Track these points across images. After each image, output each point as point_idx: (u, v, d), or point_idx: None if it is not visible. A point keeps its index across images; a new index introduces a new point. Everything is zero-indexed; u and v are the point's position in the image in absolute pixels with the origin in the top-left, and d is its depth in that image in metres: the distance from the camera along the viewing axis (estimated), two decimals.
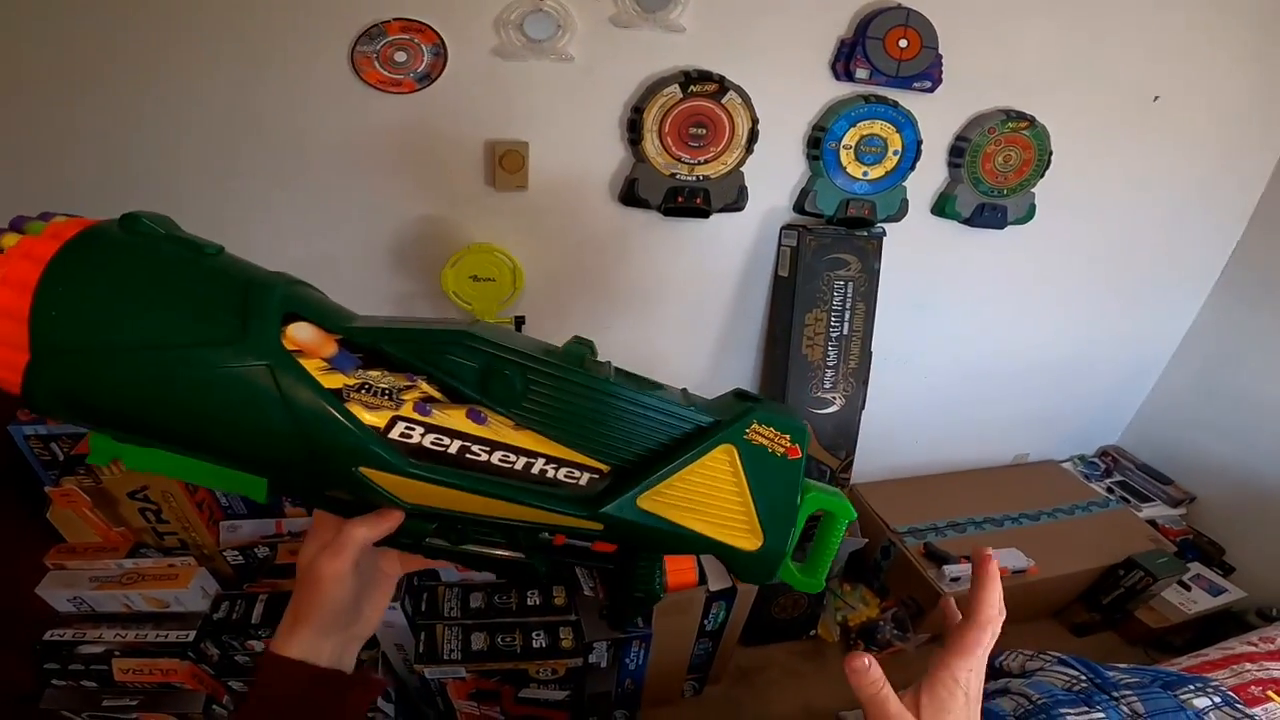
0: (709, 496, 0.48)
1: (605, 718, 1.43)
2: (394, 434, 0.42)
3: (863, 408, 1.47)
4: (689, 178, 1.20)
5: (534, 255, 1.21)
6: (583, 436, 0.46)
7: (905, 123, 1.25)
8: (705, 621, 1.31)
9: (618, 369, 0.48)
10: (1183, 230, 1.67)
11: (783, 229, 1.34)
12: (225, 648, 1.11)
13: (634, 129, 1.14)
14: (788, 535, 0.51)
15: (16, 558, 1.10)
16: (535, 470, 0.45)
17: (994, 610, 0.53)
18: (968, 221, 1.42)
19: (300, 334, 0.41)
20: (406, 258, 1.20)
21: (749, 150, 1.20)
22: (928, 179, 1.37)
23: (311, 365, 0.41)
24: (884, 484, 1.83)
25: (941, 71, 1.22)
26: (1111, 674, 1.13)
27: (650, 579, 0.54)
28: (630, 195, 1.20)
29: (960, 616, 0.54)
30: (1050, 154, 1.37)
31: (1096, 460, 2.07)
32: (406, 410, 0.42)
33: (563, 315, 1.32)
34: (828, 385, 1.42)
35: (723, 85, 1.12)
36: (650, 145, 1.15)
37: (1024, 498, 1.84)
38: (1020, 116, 1.31)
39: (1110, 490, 1.93)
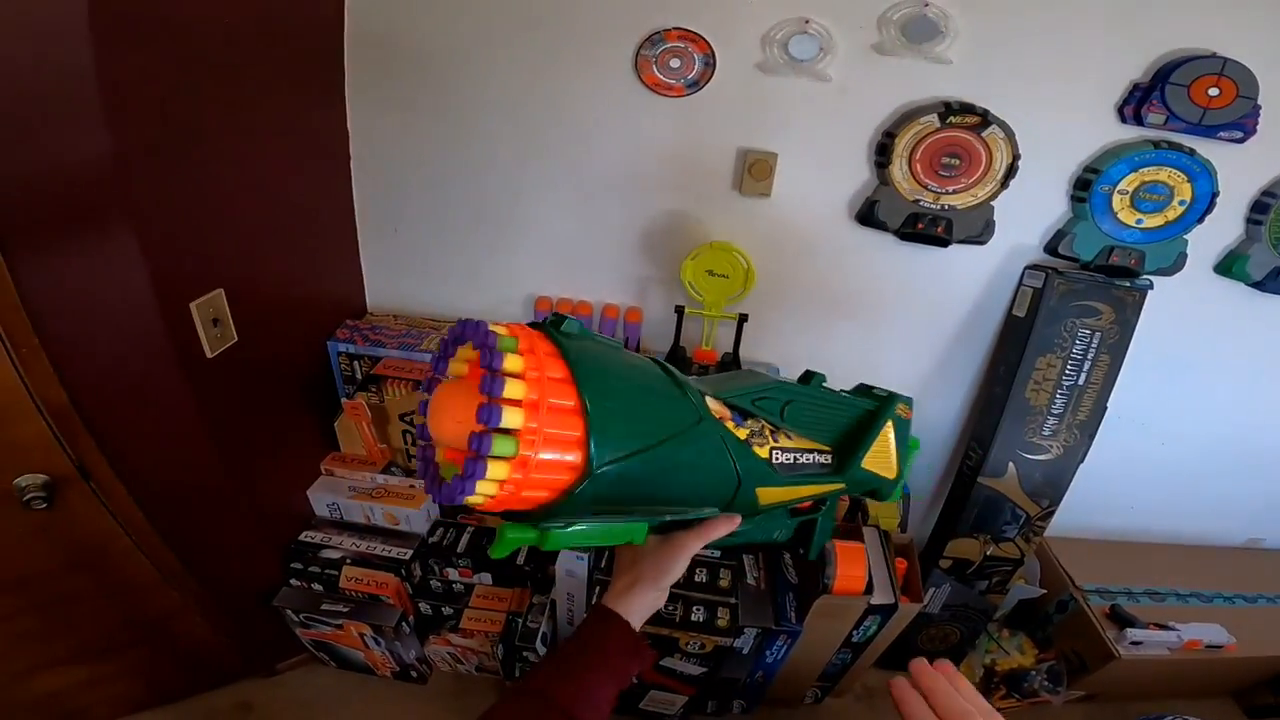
0: (883, 452, 0.72)
1: (725, 703, 1.58)
2: (774, 460, 0.62)
3: (1081, 461, 1.44)
4: (933, 205, 1.23)
5: (766, 258, 1.32)
6: (825, 431, 0.68)
7: (1201, 172, 1.18)
8: (854, 632, 1.40)
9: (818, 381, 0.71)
10: None
11: (1027, 268, 1.33)
12: (428, 570, 1.38)
13: (883, 153, 1.20)
14: (906, 464, 0.76)
15: (303, 458, 1.41)
16: (812, 460, 0.67)
17: (957, 706, 0.52)
18: (1258, 285, 1.31)
19: (714, 406, 0.58)
20: (653, 245, 1.37)
21: (1004, 185, 1.21)
22: (1216, 234, 1.29)
23: (729, 426, 0.58)
24: (1083, 541, 1.79)
25: (1257, 122, 1.14)
26: None
27: (832, 518, 0.79)
28: (868, 216, 1.26)
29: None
30: None
31: None
32: (770, 442, 0.62)
33: (782, 319, 1.43)
34: (1046, 433, 1.41)
35: (985, 119, 1.14)
36: (898, 170, 1.20)
37: (1246, 580, 1.73)
38: None
39: None
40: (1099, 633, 1.54)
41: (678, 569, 0.65)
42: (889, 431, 0.73)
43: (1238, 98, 1.11)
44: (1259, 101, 1.12)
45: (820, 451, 0.67)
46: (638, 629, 0.65)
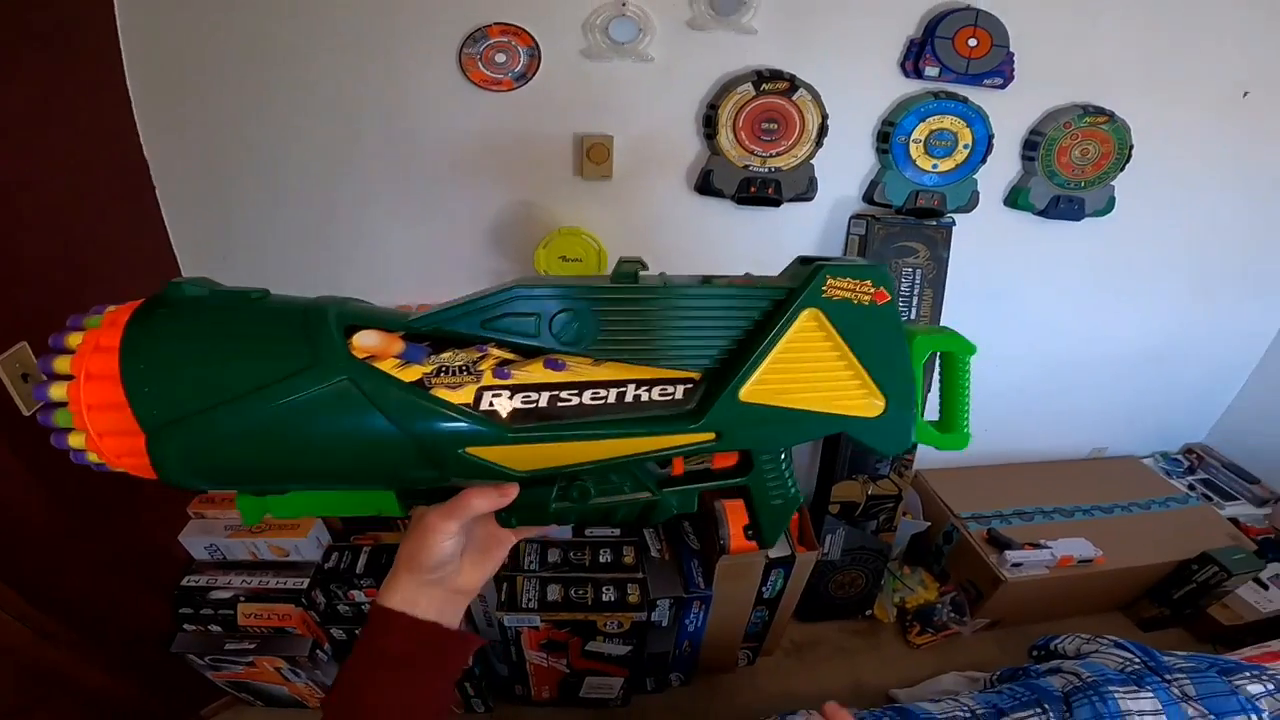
0: (812, 369, 0.49)
1: (662, 679, 1.61)
2: (484, 406, 0.46)
3: (928, 391, 1.59)
4: (761, 169, 1.35)
5: (617, 238, 1.39)
6: (661, 351, 0.48)
7: (976, 118, 1.36)
8: (764, 589, 1.47)
9: (673, 275, 0.52)
10: (1276, 227, 1.72)
11: (852, 218, 1.48)
12: (331, 596, 1.33)
13: (709, 124, 1.30)
14: (910, 390, 0.51)
15: (165, 504, 1.33)
16: (629, 398, 0.48)
17: None
18: (1042, 213, 1.52)
19: (366, 340, 0.45)
20: (503, 239, 1.40)
21: (819, 144, 1.34)
22: (1000, 172, 1.48)
23: (387, 366, 0.45)
24: (950, 471, 1.94)
25: (1013, 69, 1.33)
26: (1168, 659, 1.21)
27: (782, 481, 0.55)
28: (706, 185, 1.36)
29: None
30: (1131, 148, 1.45)
31: (1180, 457, 2.13)
32: (487, 379, 0.46)
33: None
34: None
35: (793, 83, 1.26)
36: (725, 139, 1.30)
37: (1098, 491, 1.92)
38: (1099, 111, 1.40)
39: (1192, 487, 1.99)
40: (983, 558, 1.68)
41: (432, 551, 0.54)
42: (815, 333, 0.48)
43: (993, 46, 1.30)
44: (1011, 49, 1.31)
45: (658, 383, 0.48)
46: (438, 618, 0.57)
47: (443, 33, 1.19)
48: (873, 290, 0.49)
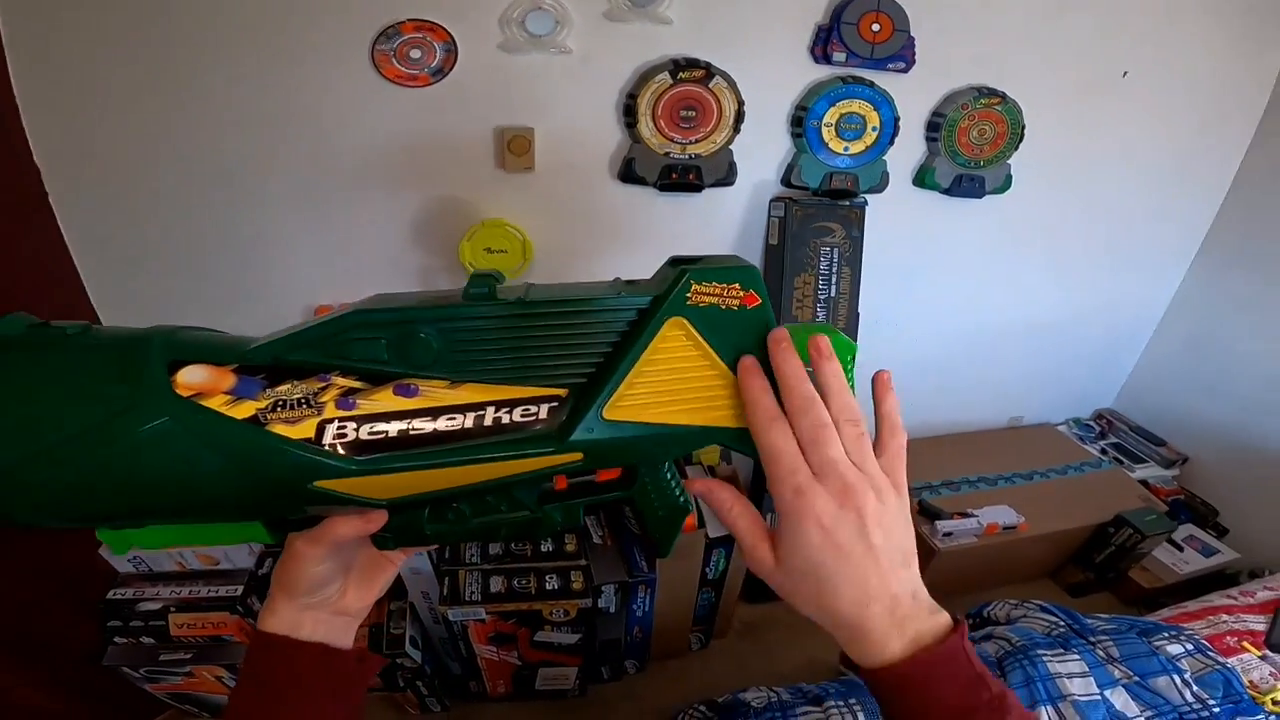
0: (679, 382, 0.47)
1: (617, 666, 1.61)
2: (328, 439, 0.44)
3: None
4: (682, 156, 1.38)
5: (542, 229, 1.40)
6: (522, 369, 0.46)
7: (882, 101, 1.43)
8: (706, 570, 1.50)
9: (535, 285, 0.49)
10: (1164, 198, 1.84)
11: (771, 201, 1.53)
12: None
13: (629, 113, 1.33)
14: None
15: None
16: (489, 421, 0.45)
17: (802, 391, 0.46)
18: (947, 192, 1.60)
19: (190, 377, 0.43)
20: (426, 234, 1.39)
21: (736, 130, 1.38)
22: (907, 153, 1.55)
23: (216, 403, 0.42)
24: None
25: (914, 53, 1.40)
26: (1090, 621, 1.27)
27: (667, 492, 0.53)
28: (628, 173, 1.39)
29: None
30: (1023, 127, 1.54)
31: (1091, 423, 2.23)
32: (330, 411, 0.44)
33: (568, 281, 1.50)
34: None
35: (709, 71, 1.31)
36: (645, 127, 1.33)
37: (1017, 459, 1.99)
38: (992, 93, 1.48)
39: (1104, 452, 2.09)
40: (917, 530, 1.71)
41: (302, 577, 0.55)
42: (681, 344, 0.46)
43: (895, 31, 1.36)
44: (912, 33, 1.38)
45: (519, 403, 0.46)
46: (324, 639, 0.57)
47: (354, 30, 1.18)
48: (742, 294, 0.47)
